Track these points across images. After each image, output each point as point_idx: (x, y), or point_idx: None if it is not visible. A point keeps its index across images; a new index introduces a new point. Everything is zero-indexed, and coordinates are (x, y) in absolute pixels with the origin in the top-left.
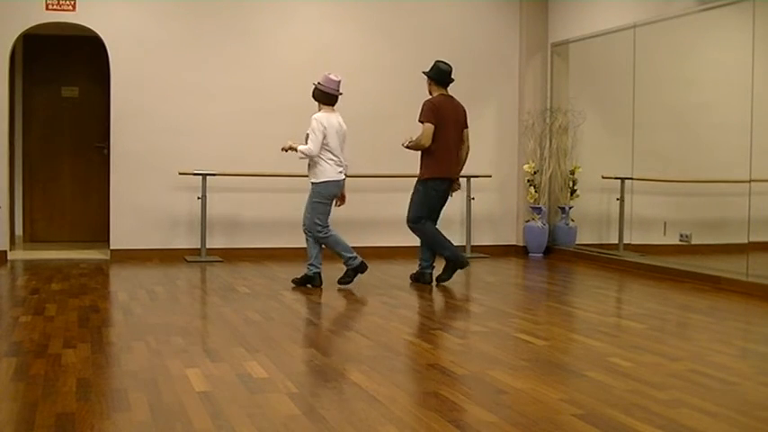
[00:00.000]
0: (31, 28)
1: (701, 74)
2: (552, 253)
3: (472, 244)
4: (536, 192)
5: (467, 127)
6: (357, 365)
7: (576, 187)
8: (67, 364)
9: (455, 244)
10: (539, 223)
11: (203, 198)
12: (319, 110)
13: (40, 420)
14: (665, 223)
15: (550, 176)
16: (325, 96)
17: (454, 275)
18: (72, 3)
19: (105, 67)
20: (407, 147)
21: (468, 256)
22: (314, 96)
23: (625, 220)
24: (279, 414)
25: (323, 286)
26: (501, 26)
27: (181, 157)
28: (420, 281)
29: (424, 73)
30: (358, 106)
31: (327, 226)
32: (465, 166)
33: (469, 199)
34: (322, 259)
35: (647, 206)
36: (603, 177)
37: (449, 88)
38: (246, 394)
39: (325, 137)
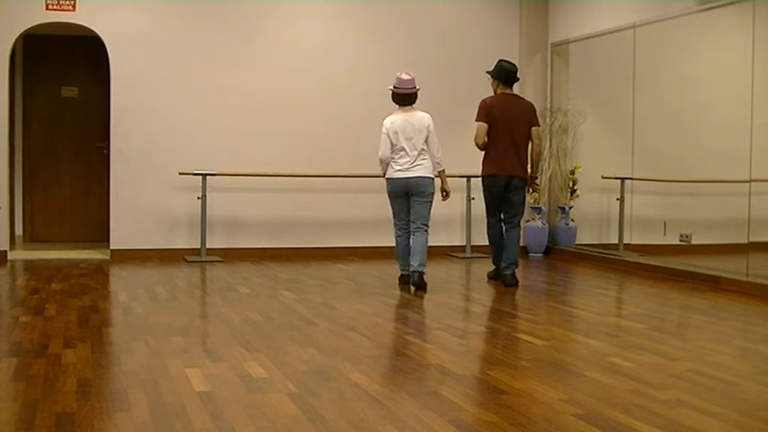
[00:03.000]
0: (31, 28)
1: (701, 74)
2: (552, 253)
3: (472, 244)
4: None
5: (536, 125)
6: (357, 365)
7: (576, 187)
8: (67, 364)
9: (455, 244)
10: (539, 223)
11: (203, 198)
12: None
13: (40, 420)
14: (665, 223)
15: (550, 176)
16: (396, 97)
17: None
18: (72, 3)
19: (105, 67)
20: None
21: (469, 256)
22: (392, 100)
23: (625, 220)
24: (279, 414)
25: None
26: (501, 26)
27: (181, 157)
28: (497, 280)
29: (487, 72)
30: (358, 106)
31: (397, 224)
32: (464, 166)
33: (469, 199)
34: (422, 260)
35: (647, 206)
36: (603, 177)
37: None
38: (246, 394)
39: (389, 138)
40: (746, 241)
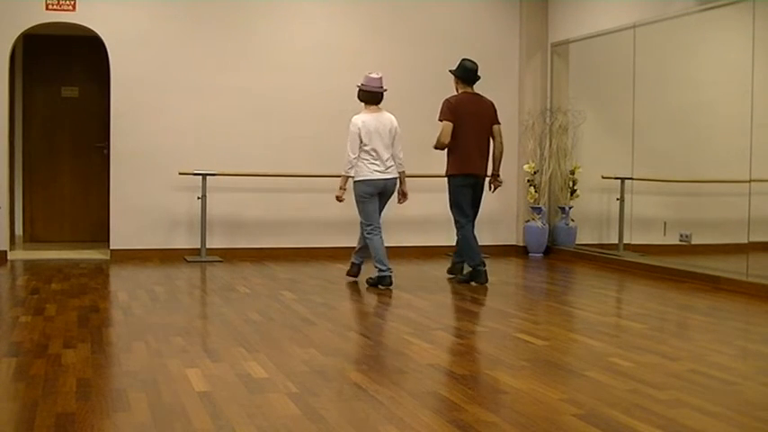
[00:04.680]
0: (31, 28)
1: (701, 74)
2: (552, 253)
3: None
4: (536, 192)
5: (497, 123)
6: (357, 365)
7: (576, 187)
8: (67, 364)
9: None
10: (539, 223)
11: (203, 198)
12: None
13: (39, 420)
14: (665, 223)
15: (550, 176)
16: (365, 95)
17: (465, 282)
18: (72, 3)
19: (105, 67)
20: (435, 148)
21: None
22: (358, 98)
23: (625, 220)
24: (279, 414)
25: (386, 287)
26: (501, 26)
27: (181, 157)
28: (473, 280)
29: (450, 71)
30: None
31: (371, 225)
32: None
33: None
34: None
35: (647, 206)
36: (603, 177)
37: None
38: (246, 394)
39: (360, 137)
40: (746, 241)
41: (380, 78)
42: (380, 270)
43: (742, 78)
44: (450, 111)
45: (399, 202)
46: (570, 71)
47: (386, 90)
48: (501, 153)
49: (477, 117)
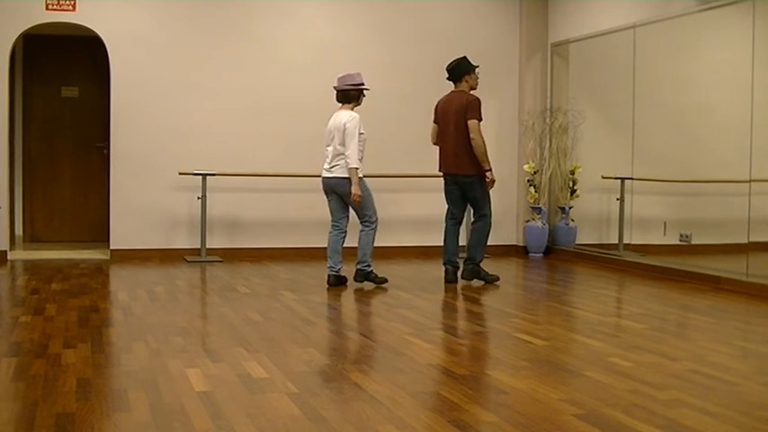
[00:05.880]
0: (31, 28)
1: (701, 74)
2: (552, 253)
3: None
4: (536, 192)
5: (470, 118)
6: (357, 365)
7: (576, 187)
8: (67, 364)
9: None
10: (539, 223)
11: (203, 198)
12: None
13: (40, 420)
14: (665, 223)
15: (550, 176)
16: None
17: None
18: (72, 3)
19: (105, 67)
20: None
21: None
22: None
23: (625, 220)
24: (279, 414)
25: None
26: (501, 26)
27: (181, 157)
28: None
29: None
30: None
31: (330, 222)
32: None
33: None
34: (368, 258)
35: (647, 206)
36: (603, 177)
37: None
38: (246, 394)
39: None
40: (746, 241)
41: (345, 76)
42: (328, 269)
43: (742, 78)
44: (434, 112)
45: (352, 200)
46: (570, 71)
47: (355, 85)
48: (477, 149)
49: (450, 115)
